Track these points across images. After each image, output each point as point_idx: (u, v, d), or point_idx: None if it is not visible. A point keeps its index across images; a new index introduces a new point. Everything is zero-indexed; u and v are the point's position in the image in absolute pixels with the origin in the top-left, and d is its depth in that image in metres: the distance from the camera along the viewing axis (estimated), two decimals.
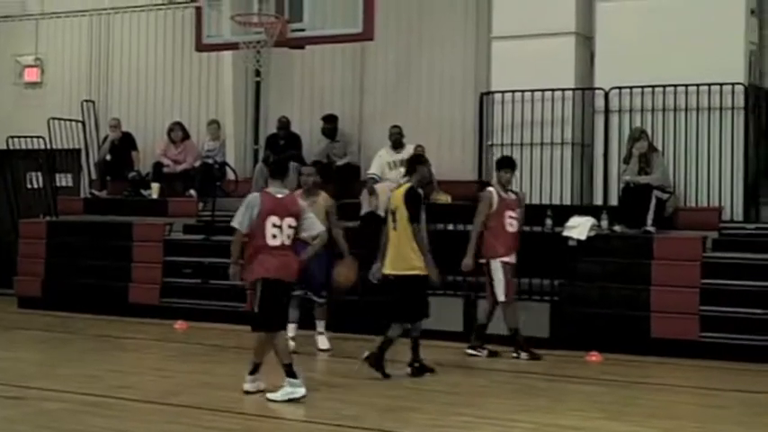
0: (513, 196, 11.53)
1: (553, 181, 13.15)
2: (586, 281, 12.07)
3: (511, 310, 11.41)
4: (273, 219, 8.90)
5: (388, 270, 10.18)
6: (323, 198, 11.56)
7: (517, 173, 13.13)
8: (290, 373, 8.73)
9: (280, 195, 9.06)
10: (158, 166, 16.19)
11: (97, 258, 15.51)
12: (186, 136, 16.31)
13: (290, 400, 8.63)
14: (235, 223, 9.03)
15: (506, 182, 11.52)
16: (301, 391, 8.71)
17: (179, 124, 16.31)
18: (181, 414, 8.35)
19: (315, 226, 9.20)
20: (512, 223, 11.39)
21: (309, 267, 10.56)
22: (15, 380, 9.79)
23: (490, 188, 11.63)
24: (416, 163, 10.44)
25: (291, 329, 11.42)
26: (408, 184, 10.15)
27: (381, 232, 10.35)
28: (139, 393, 9.22)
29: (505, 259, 11.31)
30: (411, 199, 10.00)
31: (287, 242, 8.97)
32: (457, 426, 8.01)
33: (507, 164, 11.69)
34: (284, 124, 15.52)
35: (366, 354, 10.05)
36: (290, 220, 8.96)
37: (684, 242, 12.07)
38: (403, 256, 10.03)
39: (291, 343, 11.31)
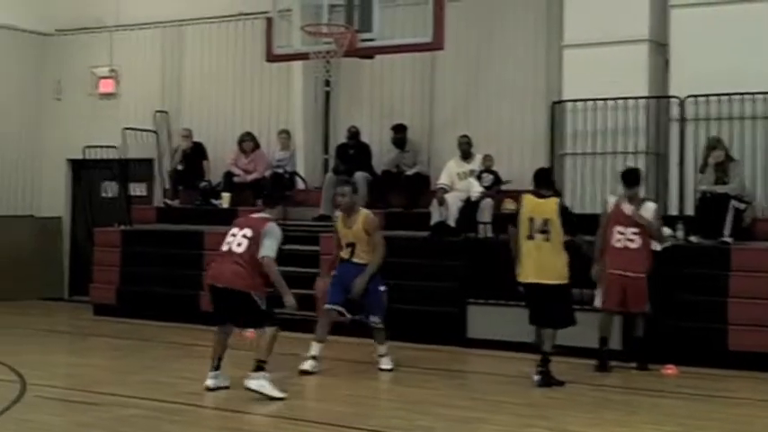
0: (629, 211, 11.22)
1: None
2: (661, 292, 11.86)
3: (602, 318, 11.35)
4: (234, 229, 9.64)
5: (534, 279, 10.38)
6: (362, 218, 10.95)
7: (588, 182, 13.10)
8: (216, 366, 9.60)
9: (254, 215, 9.80)
10: (229, 175, 16.31)
11: (169, 267, 15.65)
12: (257, 146, 16.41)
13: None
14: None
15: (628, 197, 11.34)
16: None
17: (250, 134, 16.41)
18: (253, 422, 8.39)
19: (263, 250, 9.38)
20: (619, 239, 11.21)
21: (356, 292, 10.76)
22: (90, 386, 9.92)
23: (610, 198, 11.58)
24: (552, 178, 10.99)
25: (315, 348, 10.90)
26: (557, 198, 10.56)
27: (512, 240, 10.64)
28: (211, 401, 9.28)
29: (611, 270, 11.18)
30: (567, 212, 10.46)
31: (236, 249, 9.42)
32: None
33: (623, 179, 11.51)
34: (354, 134, 15.53)
35: (536, 379, 10.26)
36: (246, 231, 9.46)
37: (763, 253, 11.81)
38: (553, 265, 10.33)
39: (312, 362, 10.85)
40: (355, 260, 10.90)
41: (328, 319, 11.01)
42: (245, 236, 9.46)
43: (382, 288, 10.96)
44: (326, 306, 11.01)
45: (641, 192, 11.52)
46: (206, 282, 9.83)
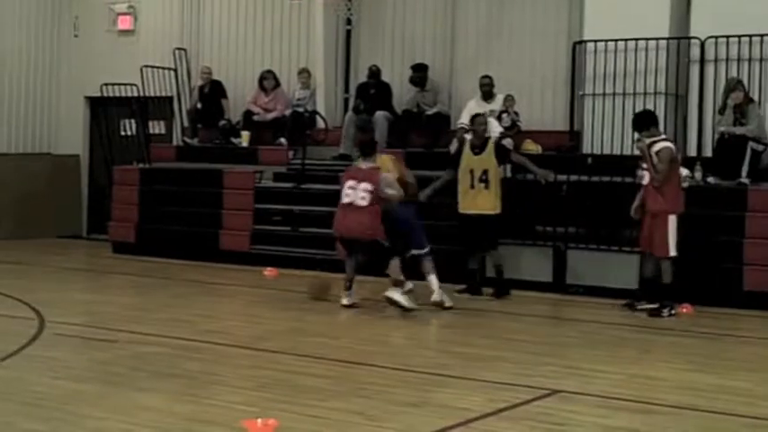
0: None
1: None
2: (679, 232, 11.85)
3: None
4: (350, 182, 10.89)
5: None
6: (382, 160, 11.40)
7: (608, 123, 13.06)
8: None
9: (363, 167, 11.02)
10: (249, 114, 16.30)
11: (189, 205, 15.72)
12: (277, 84, 16.37)
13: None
14: None
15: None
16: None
17: (271, 72, 16.37)
18: (271, 360, 8.46)
19: (392, 195, 10.83)
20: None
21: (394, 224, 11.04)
22: (109, 323, 10.03)
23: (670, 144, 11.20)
24: None
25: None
26: None
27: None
28: (230, 338, 9.37)
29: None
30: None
31: (360, 203, 10.77)
32: (543, 375, 8.01)
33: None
34: (374, 73, 15.46)
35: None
36: (365, 185, 10.73)
37: None
38: None
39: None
40: None
41: None
42: (365, 189, 10.72)
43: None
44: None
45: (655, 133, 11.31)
46: (336, 233, 11.23)
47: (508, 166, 12.68)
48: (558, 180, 12.34)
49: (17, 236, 17.52)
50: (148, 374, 7.80)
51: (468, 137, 12.57)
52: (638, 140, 11.16)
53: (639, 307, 11.12)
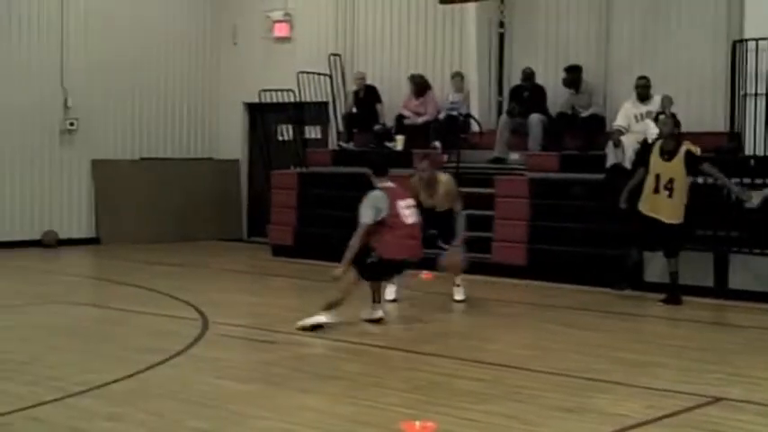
0: None
1: None
2: None
3: None
4: (402, 202, 10.24)
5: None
6: (443, 183, 11.54)
7: None
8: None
9: (394, 185, 10.39)
10: (401, 118, 16.42)
11: (345, 209, 15.83)
12: (428, 88, 16.44)
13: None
14: None
15: None
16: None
17: (420, 76, 16.45)
18: (427, 362, 8.50)
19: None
20: None
21: None
22: (271, 324, 10.24)
23: None
24: None
25: None
26: None
27: None
28: (388, 341, 9.47)
29: None
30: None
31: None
32: (706, 382, 7.82)
33: None
34: (528, 75, 15.38)
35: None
36: (411, 201, 10.44)
37: None
38: None
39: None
40: None
41: None
42: (414, 206, 10.37)
43: None
44: None
45: None
46: (404, 257, 10.30)
47: None
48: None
49: (181, 238, 18.12)
50: (309, 375, 7.95)
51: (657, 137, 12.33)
52: None
53: None
